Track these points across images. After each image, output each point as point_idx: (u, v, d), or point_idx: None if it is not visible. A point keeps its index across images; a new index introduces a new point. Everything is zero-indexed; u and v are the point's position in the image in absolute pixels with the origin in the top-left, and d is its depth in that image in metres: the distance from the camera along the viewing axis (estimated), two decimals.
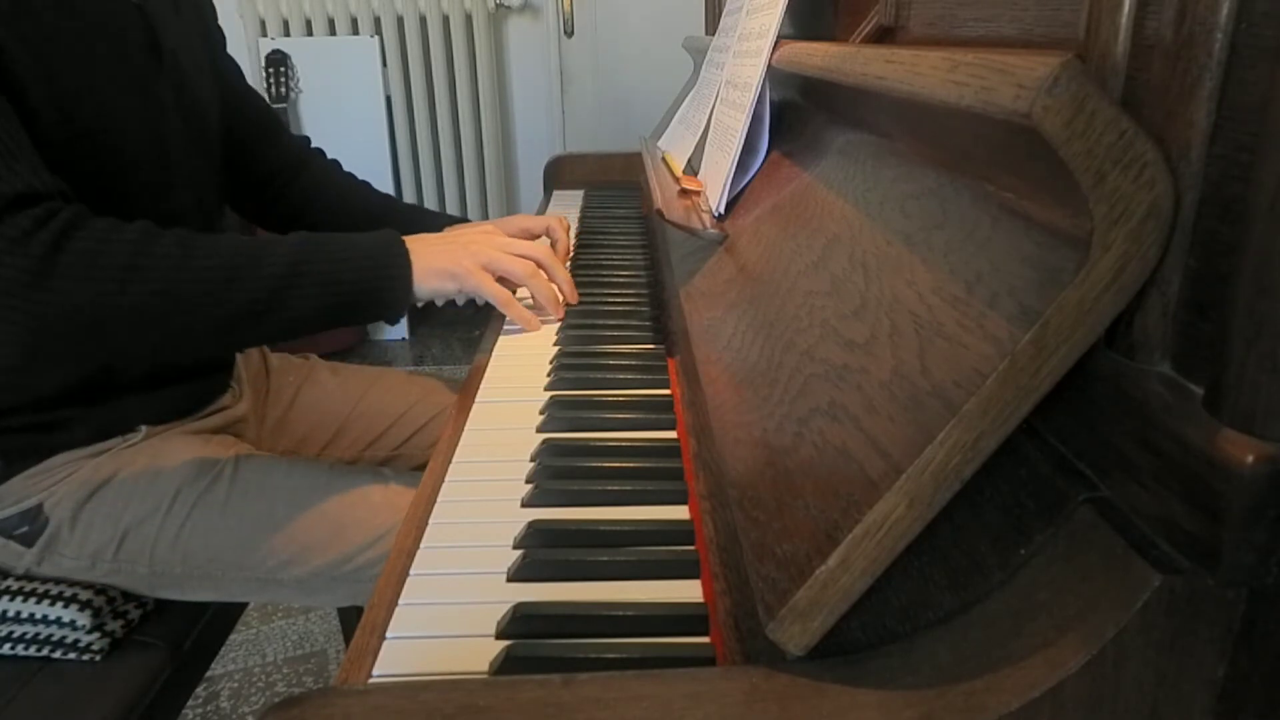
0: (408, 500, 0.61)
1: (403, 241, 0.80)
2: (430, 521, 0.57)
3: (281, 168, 1.09)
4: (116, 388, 0.84)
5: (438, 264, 0.80)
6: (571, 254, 1.13)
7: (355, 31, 2.76)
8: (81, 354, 0.73)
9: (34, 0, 0.72)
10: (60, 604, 0.78)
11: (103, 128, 0.77)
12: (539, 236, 1.08)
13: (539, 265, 0.87)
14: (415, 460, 1.05)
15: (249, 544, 0.82)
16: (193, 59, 0.91)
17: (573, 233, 1.28)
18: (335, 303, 0.76)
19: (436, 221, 1.07)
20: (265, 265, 0.73)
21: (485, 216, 2.98)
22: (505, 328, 0.89)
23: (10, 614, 0.78)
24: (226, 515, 0.82)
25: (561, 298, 0.92)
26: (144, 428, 0.86)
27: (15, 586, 0.80)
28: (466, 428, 0.70)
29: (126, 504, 0.82)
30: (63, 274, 0.66)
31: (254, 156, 1.06)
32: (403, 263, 0.79)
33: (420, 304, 0.84)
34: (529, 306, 0.89)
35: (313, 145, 1.15)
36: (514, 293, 0.87)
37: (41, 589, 0.80)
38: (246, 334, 0.80)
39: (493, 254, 0.83)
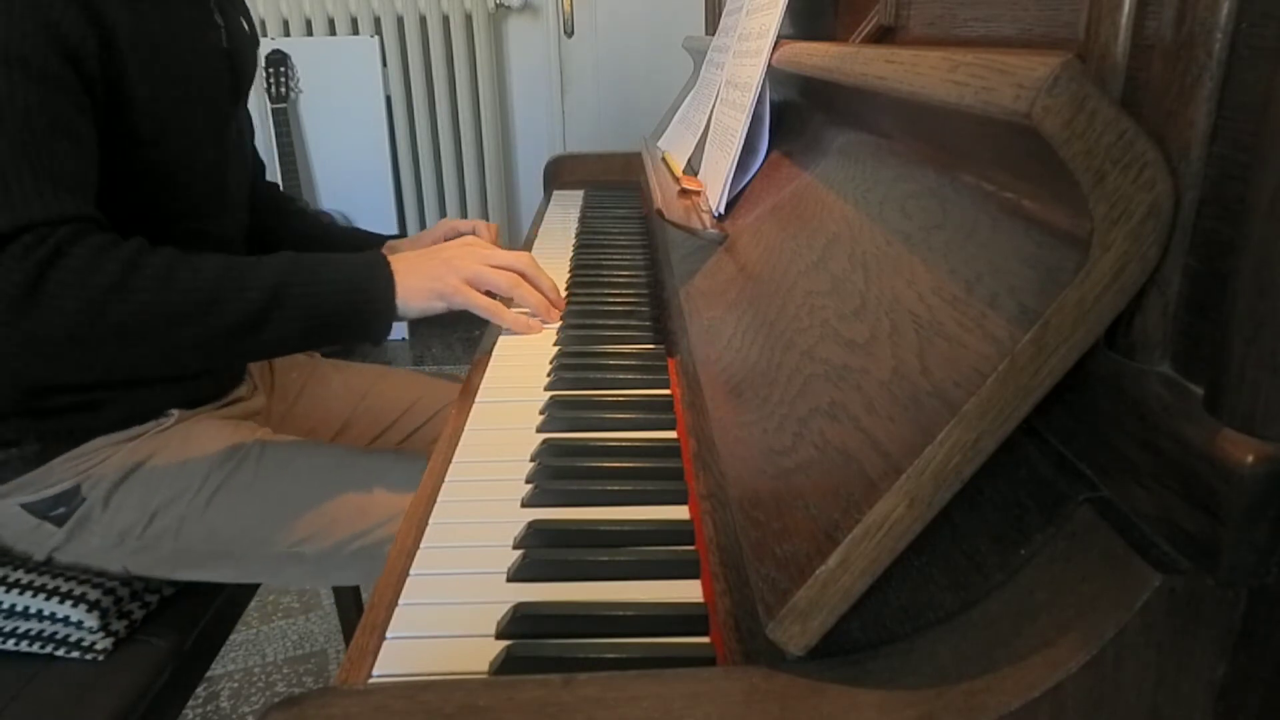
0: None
1: (387, 263, 0.81)
2: (430, 521, 0.57)
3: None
4: (145, 376, 0.87)
5: (422, 283, 0.81)
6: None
7: (355, 31, 2.76)
8: (69, 368, 0.77)
9: (155, 33, 0.77)
10: (69, 603, 0.79)
11: (183, 164, 0.83)
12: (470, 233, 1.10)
13: (522, 275, 0.88)
14: (422, 453, 1.06)
15: (274, 520, 0.84)
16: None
17: (573, 232, 1.29)
18: (318, 324, 0.77)
19: (370, 241, 1.10)
20: (249, 287, 0.74)
21: (485, 217, 2.98)
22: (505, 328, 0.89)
23: (19, 609, 0.79)
24: (252, 495, 0.85)
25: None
26: (175, 412, 0.88)
27: (26, 580, 0.81)
28: (466, 428, 0.70)
29: (158, 488, 0.84)
30: (49, 296, 0.67)
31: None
32: (385, 285, 0.80)
33: (408, 320, 0.86)
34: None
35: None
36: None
37: (51, 585, 0.81)
38: (232, 352, 0.84)
39: (476, 268, 0.84)
